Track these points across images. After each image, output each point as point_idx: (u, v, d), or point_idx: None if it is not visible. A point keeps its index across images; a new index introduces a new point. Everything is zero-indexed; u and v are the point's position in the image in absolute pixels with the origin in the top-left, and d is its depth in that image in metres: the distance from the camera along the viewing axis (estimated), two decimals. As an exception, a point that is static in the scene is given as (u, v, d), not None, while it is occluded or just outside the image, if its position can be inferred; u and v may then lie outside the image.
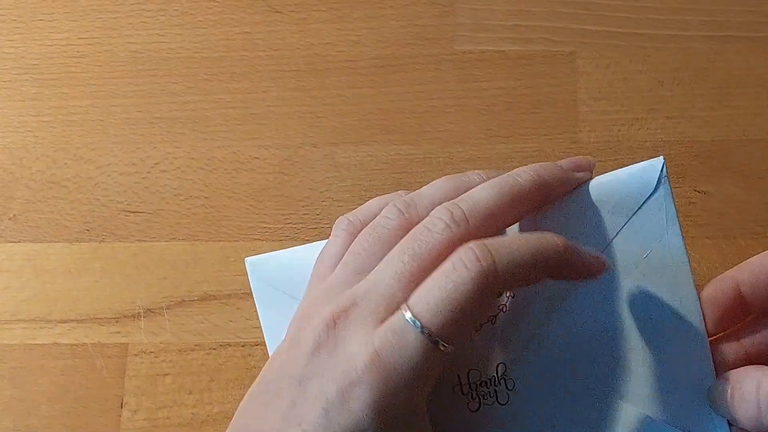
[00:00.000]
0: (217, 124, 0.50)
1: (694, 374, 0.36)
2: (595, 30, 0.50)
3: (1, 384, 0.47)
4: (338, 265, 0.36)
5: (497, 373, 0.38)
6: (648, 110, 0.49)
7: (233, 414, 0.46)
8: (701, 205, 0.47)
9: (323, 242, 0.39)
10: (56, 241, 0.48)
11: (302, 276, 0.39)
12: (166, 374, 0.46)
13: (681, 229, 0.36)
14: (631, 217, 0.36)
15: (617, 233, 0.37)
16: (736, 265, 0.46)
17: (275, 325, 0.40)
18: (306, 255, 0.41)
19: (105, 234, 0.49)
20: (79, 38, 0.52)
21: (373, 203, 0.39)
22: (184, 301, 0.47)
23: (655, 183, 0.36)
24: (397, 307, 0.33)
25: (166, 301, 0.47)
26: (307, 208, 0.48)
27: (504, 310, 0.37)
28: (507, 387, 0.37)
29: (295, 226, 0.48)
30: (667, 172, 0.36)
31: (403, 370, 0.32)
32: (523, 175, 0.35)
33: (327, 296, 0.35)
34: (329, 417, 0.32)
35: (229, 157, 0.49)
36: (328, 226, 0.48)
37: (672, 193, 0.36)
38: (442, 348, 0.32)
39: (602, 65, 0.50)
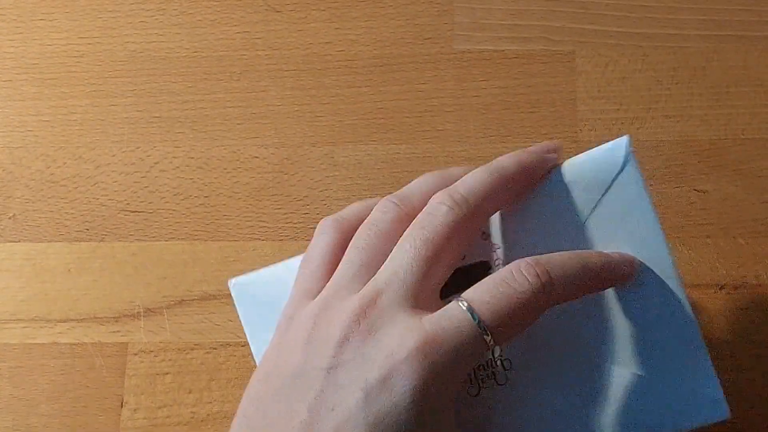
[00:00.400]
0: (216, 124, 0.50)
1: (678, 330, 0.38)
2: (594, 29, 0.50)
3: (0, 383, 0.47)
4: (341, 263, 0.36)
5: (493, 355, 0.38)
6: (646, 109, 0.49)
7: (233, 413, 0.46)
8: (700, 204, 0.47)
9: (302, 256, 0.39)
10: (56, 241, 0.49)
11: (289, 292, 0.39)
12: (166, 373, 0.46)
13: (651, 199, 0.38)
14: (604, 194, 0.38)
15: (592, 210, 0.38)
16: (735, 264, 0.46)
17: (265, 345, 0.39)
18: (291, 269, 0.40)
19: (104, 233, 0.49)
20: (78, 38, 0.52)
21: (354, 205, 0.39)
22: (183, 300, 0.47)
23: (623, 160, 0.38)
24: (430, 293, 0.34)
25: (166, 301, 0.47)
26: (307, 207, 0.48)
27: None
28: (504, 367, 0.38)
29: (294, 225, 0.48)
30: (632, 149, 0.38)
31: (452, 357, 0.32)
32: (505, 160, 0.37)
33: (340, 291, 0.35)
34: (369, 400, 0.32)
35: (228, 157, 0.50)
36: (327, 225, 0.48)
37: (639, 169, 0.38)
38: (489, 344, 0.33)
39: (601, 64, 0.50)
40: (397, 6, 0.51)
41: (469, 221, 0.35)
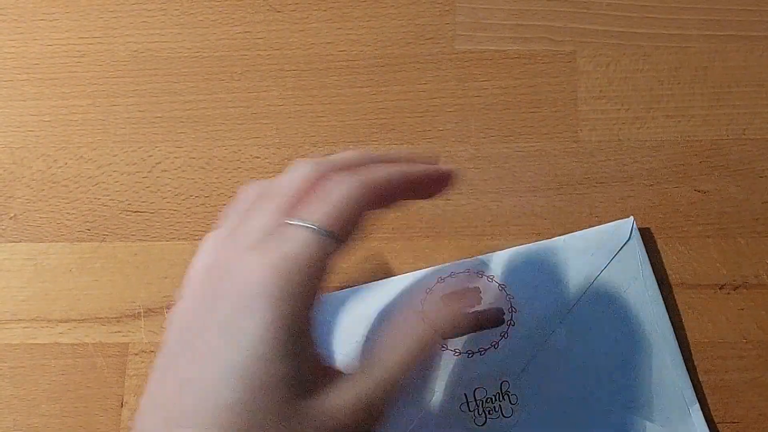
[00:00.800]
0: (217, 124, 0.50)
1: (673, 382, 0.43)
2: (595, 29, 0.50)
3: (1, 383, 0.47)
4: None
5: (501, 390, 0.43)
6: (648, 109, 0.49)
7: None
8: (700, 205, 0.47)
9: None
10: (57, 241, 0.49)
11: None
12: (167, 373, 0.46)
13: (651, 267, 0.45)
14: (611, 260, 0.45)
15: (600, 272, 0.45)
16: (735, 264, 0.46)
17: None
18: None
19: (106, 233, 0.49)
20: (79, 38, 0.52)
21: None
22: (184, 300, 0.47)
23: (629, 234, 0.45)
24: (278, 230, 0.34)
25: (167, 301, 0.47)
26: (308, 207, 0.48)
27: (505, 336, 0.44)
28: (510, 401, 0.43)
29: (295, 225, 0.48)
30: (636, 228, 0.46)
31: (300, 269, 0.33)
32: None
33: (211, 246, 0.36)
34: (226, 338, 0.32)
35: (229, 157, 0.50)
36: (328, 225, 0.48)
37: (642, 242, 0.45)
38: (334, 240, 0.34)
39: (602, 64, 0.50)
40: (399, 6, 0.51)
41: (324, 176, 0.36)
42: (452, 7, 0.51)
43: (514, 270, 0.45)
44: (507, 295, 0.44)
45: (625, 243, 0.45)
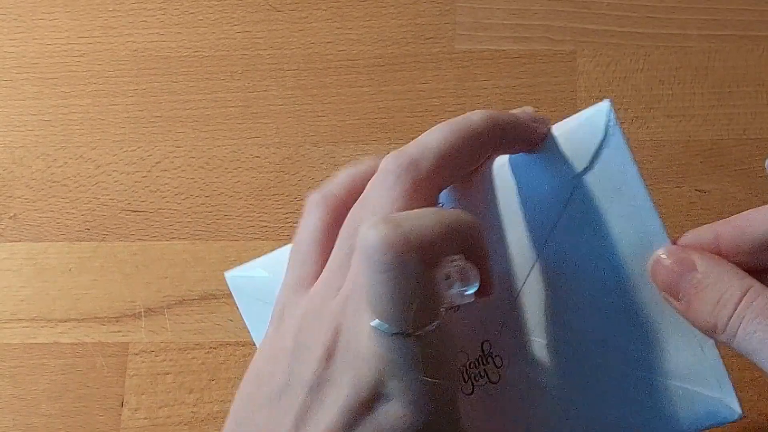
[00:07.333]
0: (217, 123, 0.50)
1: (675, 322, 0.34)
2: (595, 29, 0.50)
3: (1, 383, 0.47)
4: (333, 252, 0.33)
5: (483, 352, 0.36)
6: (648, 109, 0.49)
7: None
8: (701, 204, 0.47)
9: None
10: (56, 240, 0.49)
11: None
12: (167, 373, 0.46)
13: (638, 166, 0.34)
14: (586, 169, 0.34)
15: (574, 188, 0.35)
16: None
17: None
18: (285, 259, 0.37)
19: (105, 233, 0.49)
20: (79, 37, 0.52)
21: (341, 175, 0.35)
22: (184, 300, 0.47)
23: (604, 128, 0.34)
24: None
25: (167, 300, 0.47)
26: (308, 206, 0.48)
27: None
28: (495, 364, 0.36)
29: (295, 225, 0.48)
30: (615, 116, 0.34)
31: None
32: (476, 114, 0.32)
33: (328, 288, 0.33)
34: (354, 421, 0.30)
35: (229, 156, 0.50)
36: (328, 224, 0.48)
37: (624, 134, 0.34)
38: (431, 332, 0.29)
39: (602, 64, 0.50)
40: (399, 5, 0.51)
41: (420, 189, 0.31)
42: (452, 6, 0.51)
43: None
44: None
45: (602, 141, 0.34)
